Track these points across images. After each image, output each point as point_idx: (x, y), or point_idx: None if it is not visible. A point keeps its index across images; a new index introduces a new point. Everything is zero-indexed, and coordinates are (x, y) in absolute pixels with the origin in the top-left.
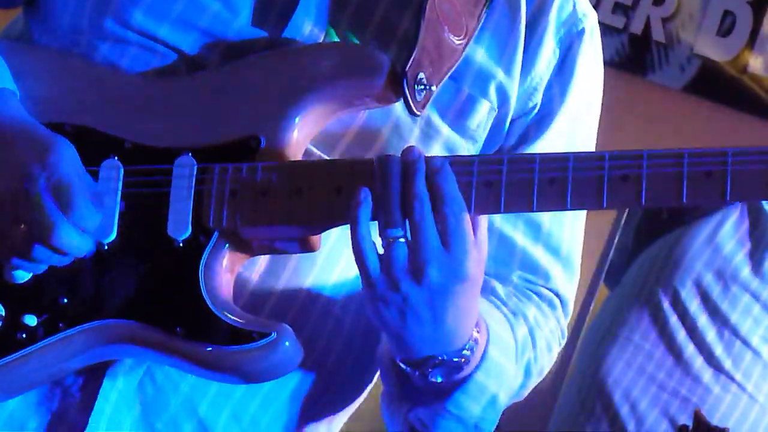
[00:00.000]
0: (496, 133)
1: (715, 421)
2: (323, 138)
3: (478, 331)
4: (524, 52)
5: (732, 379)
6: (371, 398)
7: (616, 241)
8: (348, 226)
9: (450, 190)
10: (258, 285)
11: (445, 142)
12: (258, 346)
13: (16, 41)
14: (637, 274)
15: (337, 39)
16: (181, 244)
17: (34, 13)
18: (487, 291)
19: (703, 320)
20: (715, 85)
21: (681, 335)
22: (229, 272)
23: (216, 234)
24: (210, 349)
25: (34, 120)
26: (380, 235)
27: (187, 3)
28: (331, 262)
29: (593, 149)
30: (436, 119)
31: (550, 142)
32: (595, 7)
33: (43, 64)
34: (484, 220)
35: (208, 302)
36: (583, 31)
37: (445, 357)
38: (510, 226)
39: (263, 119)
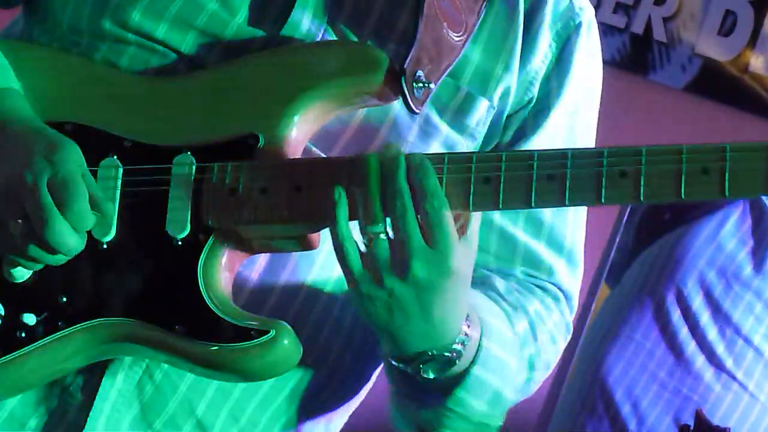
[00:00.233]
0: (494, 129)
1: (716, 420)
2: (322, 136)
3: (468, 326)
4: (522, 45)
5: (733, 378)
6: (371, 398)
7: (617, 240)
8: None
9: (430, 186)
10: (258, 284)
11: (444, 140)
12: (256, 344)
13: (16, 40)
14: (639, 272)
15: (334, 37)
16: (179, 243)
17: (34, 13)
18: (486, 286)
19: (705, 318)
20: (717, 84)
21: (683, 333)
22: (228, 271)
23: (215, 232)
24: (209, 347)
25: (37, 117)
26: (361, 233)
27: (183, 2)
28: (331, 261)
29: (592, 144)
30: (435, 117)
31: (548, 137)
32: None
33: (42, 63)
34: (476, 215)
35: (207, 300)
36: (580, 24)
37: (435, 352)
38: (511, 222)
39: (262, 117)
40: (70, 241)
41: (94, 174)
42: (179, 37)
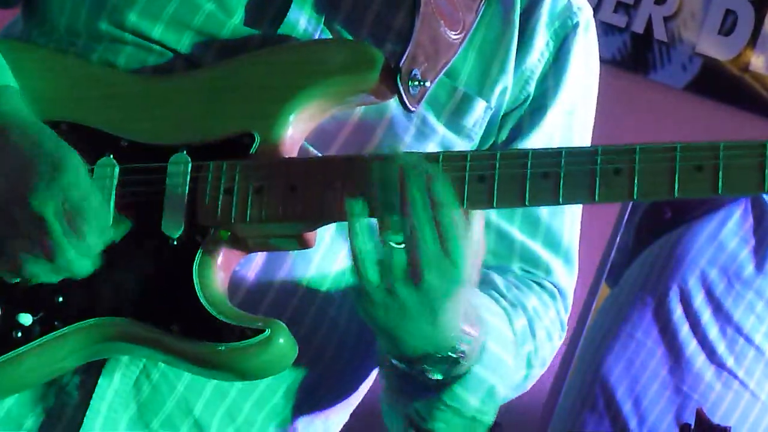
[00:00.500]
0: (491, 128)
1: (716, 418)
2: (318, 135)
3: (471, 326)
4: (518, 45)
5: (734, 376)
6: (371, 399)
7: (617, 241)
8: (344, 222)
9: (446, 196)
10: (254, 283)
11: (441, 140)
12: (252, 343)
13: (14, 41)
14: (640, 271)
15: (331, 37)
16: (175, 242)
17: (32, 15)
18: (486, 284)
19: (706, 317)
20: (717, 84)
21: (684, 332)
22: (224, 270)
23: (210, 232)
24: (204, 346)
25: (37, 120)
26: (380, 239)
27: (180, 3)
28: (328, 260)
29: (589, 144)
30: (432, 118)
31: (544, 135)
32: (597, 6)
33: (39, 63)
34: (479, 218)
35: (203, 300)
36: (578, 24)
37: (441, 354)
38: (507, 221)
39: (258, 116)
40: (82, 266)
41: (91, 173)
42: (176, 37)
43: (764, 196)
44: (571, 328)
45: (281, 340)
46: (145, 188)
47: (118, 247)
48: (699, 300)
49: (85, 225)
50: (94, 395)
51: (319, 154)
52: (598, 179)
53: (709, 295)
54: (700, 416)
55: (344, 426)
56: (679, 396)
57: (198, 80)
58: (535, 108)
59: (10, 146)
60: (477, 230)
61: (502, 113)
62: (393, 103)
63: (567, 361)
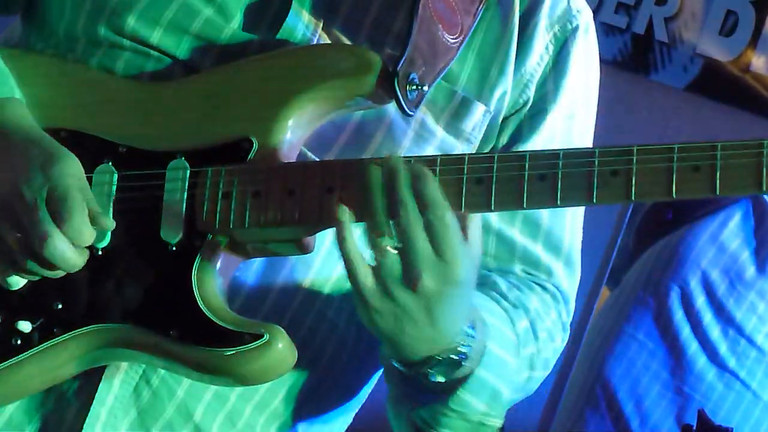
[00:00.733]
0: (490, 132)
1: (718, 419)
2: (316, 140)
3: (472, 327)
4: (517, 48)
5: (736, 377)
6: (375, 401)
7: (618, 243)
8: None
9: (433, 196)
10: (254, 288)
11: (440, 144)
12: (250, 348)
13: (13, 48)
14: (641, 272)
15: (329, 42)
16: (174, 248)
17: (31, 19)
18: (487, 285)
19: (708, 318)
20: (718, 84)
21: (685, 332)
22: (223, 275)
23: (209, 237)
24: (203, 351)
25: (42, 130)
26: (370, 246)
27: (178, 8)
28: (327, 264)
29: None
30: (431, 121)
31: (544, 139)
32: (598, 6)
33: (38, 70)
34: (476, 219)
35: (201, 305)
36: (577, 27)
37: (443, 356)
38: (508, 224)
39: (255, 121)
40: (69, 257)
41: (89, 180)
42: (174, 42)
43: (765, 197)
44: (572, 329)
45: (280, 345)
46: (144, 194)
47: (116, 253)
48: (700, 301)
49: (71, 212)
50: (94, 401)
51: (317, 159)
52: (595, 181)
53: (711, 296)
54: (701, 417)
55: (348, 428)
56: (680, 397)
57: (195, 86)
58: (535, 112)
59: (12, 149)
60: (474, 231)
61: (501, 117)
62: (392, 107)
63: (569, 362)
